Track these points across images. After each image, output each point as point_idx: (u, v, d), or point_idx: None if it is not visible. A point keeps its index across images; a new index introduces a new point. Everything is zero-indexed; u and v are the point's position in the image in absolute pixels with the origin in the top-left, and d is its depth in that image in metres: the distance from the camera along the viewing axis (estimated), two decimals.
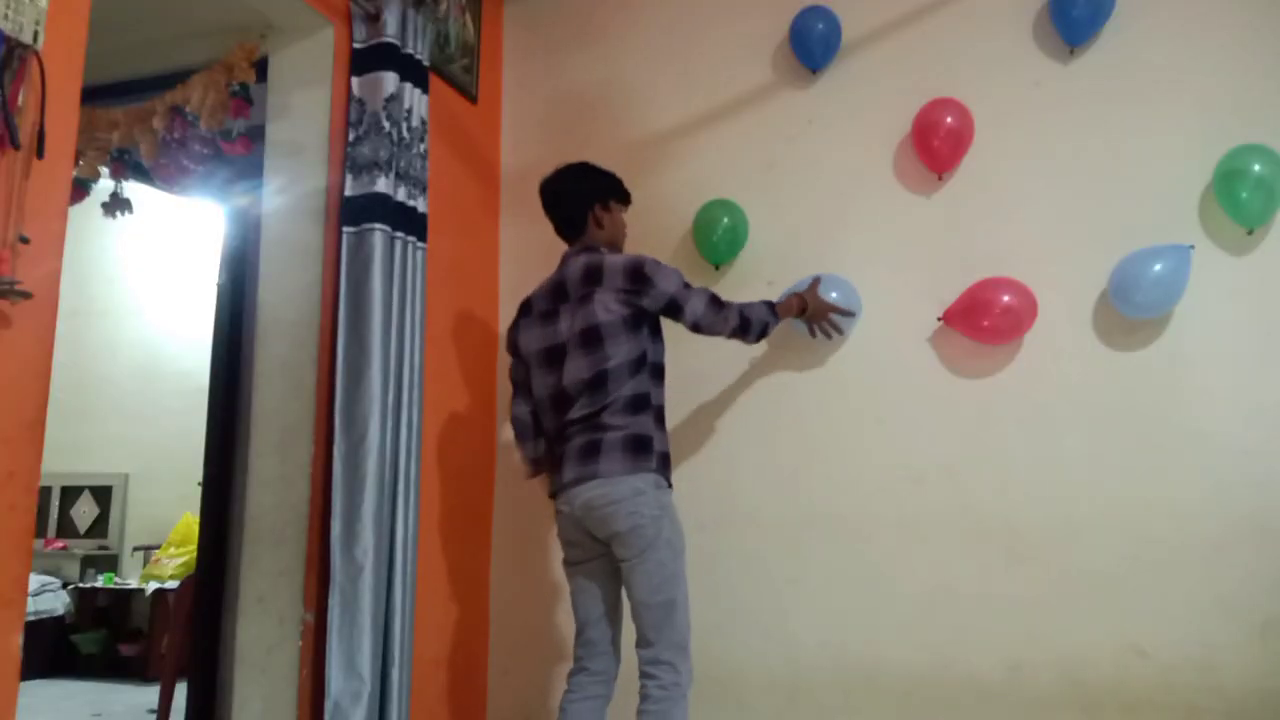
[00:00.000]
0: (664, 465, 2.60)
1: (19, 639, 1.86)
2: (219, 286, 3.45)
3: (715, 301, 2.64)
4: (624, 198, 2.85)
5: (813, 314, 2.95)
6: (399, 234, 2.96)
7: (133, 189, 3.53)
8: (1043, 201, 3.06)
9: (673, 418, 3.39)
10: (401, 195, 2.99)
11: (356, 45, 3.03)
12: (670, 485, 2.62)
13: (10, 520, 1.85)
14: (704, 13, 3.60)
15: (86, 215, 3.31)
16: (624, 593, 2.60)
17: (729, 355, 3.37)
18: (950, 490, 3.05)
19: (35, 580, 5.25)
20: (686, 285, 2.63)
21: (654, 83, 3.64)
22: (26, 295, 1.83)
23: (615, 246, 2.79)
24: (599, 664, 2.64)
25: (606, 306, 2.56)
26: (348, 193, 2.92)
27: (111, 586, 5.95)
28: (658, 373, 2.68)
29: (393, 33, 3.00)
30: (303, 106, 3.04)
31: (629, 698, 2.56)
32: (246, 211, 3.34)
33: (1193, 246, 2.82)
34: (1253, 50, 2.92)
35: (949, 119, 3.10)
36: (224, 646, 3.09)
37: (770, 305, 2.76)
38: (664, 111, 3.60)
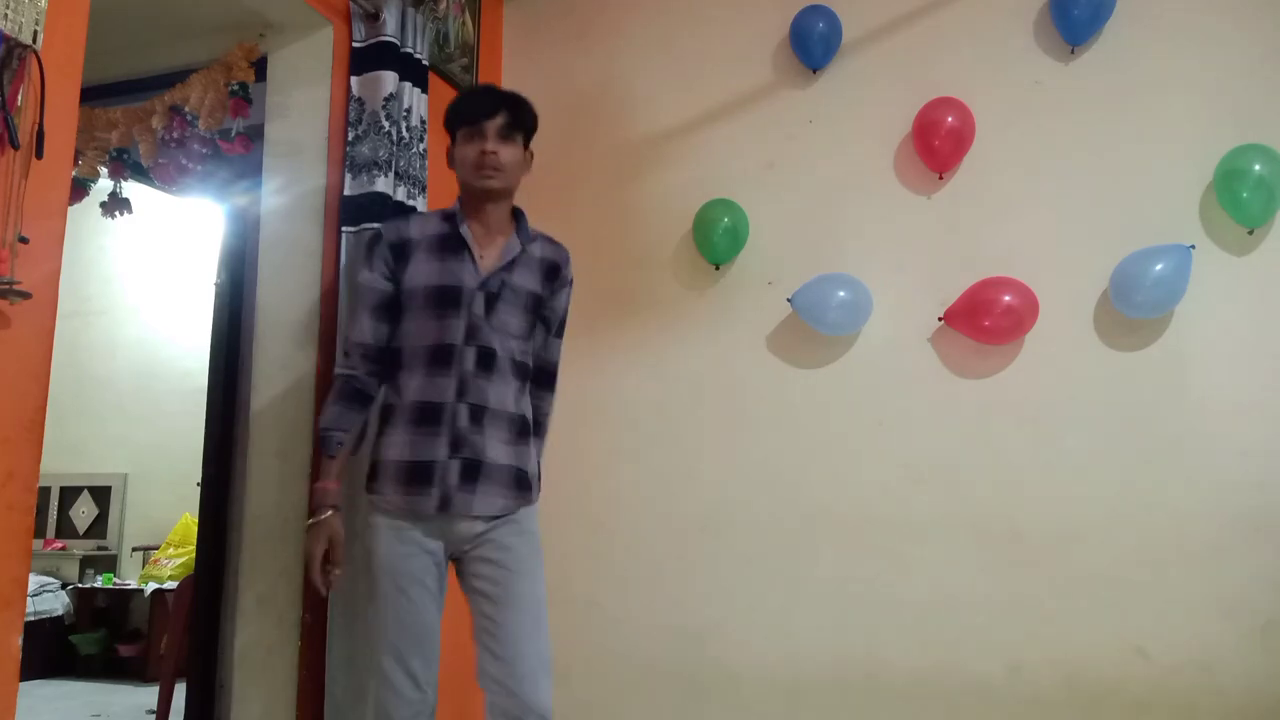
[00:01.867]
0: (373, 476, 2.18)
1: (18, 639, 1.85)
2: (218, 286, 3.44)
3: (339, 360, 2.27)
4: (457, 121, 2.26)
5: (309, 541, 2.18)
6: None
7: (132, 189, 3.53)
8: (1043, 201, 3.06)
9: (673, 418, 3.39)
10: (401, 195, 2.98)
11: (356, 44, 3.02)
12: (377, 492, 2.16)
13: (10, 520, 1.85)
14: (704, 12, 3.60)
15: (85, 215, 3.30)
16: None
17: (729, 355, 3.36)
18: (951, 490, 3.04)
19: (34, 581, 5.24)
20: (358, 302, 2.25)
21: (654, 82, 3.63)
22: (26, 295, 1.82)
23: (463, 187, 2.28)
24: None
25: None
26: (347, 192, 2.91)
27: (110, 587, 5.94)
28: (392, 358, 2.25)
29: (392, 32, 2.99)
30: (302, 106, 3.04)
31: None
32: (245, 211, 3.34)
33: (1193, 246, 2.82)
34: (1253, 50, 2.92)
35: (950, 118, 3.10)
36: (223, 647, 3.09)
37: (330, 441, 2.19)
38: (664, 111, 3.59)
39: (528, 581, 2.15)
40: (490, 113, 2.21)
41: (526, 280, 2.25)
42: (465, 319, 2.14)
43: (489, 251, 2.23)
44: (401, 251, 2.19)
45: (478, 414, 2.13)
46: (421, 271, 2.17)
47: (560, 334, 2.42)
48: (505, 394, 2.17)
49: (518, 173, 2.27)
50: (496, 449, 2.15)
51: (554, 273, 2.33)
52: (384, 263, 2.20)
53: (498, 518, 2.17)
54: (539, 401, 2.37)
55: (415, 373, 2.15)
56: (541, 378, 2.40)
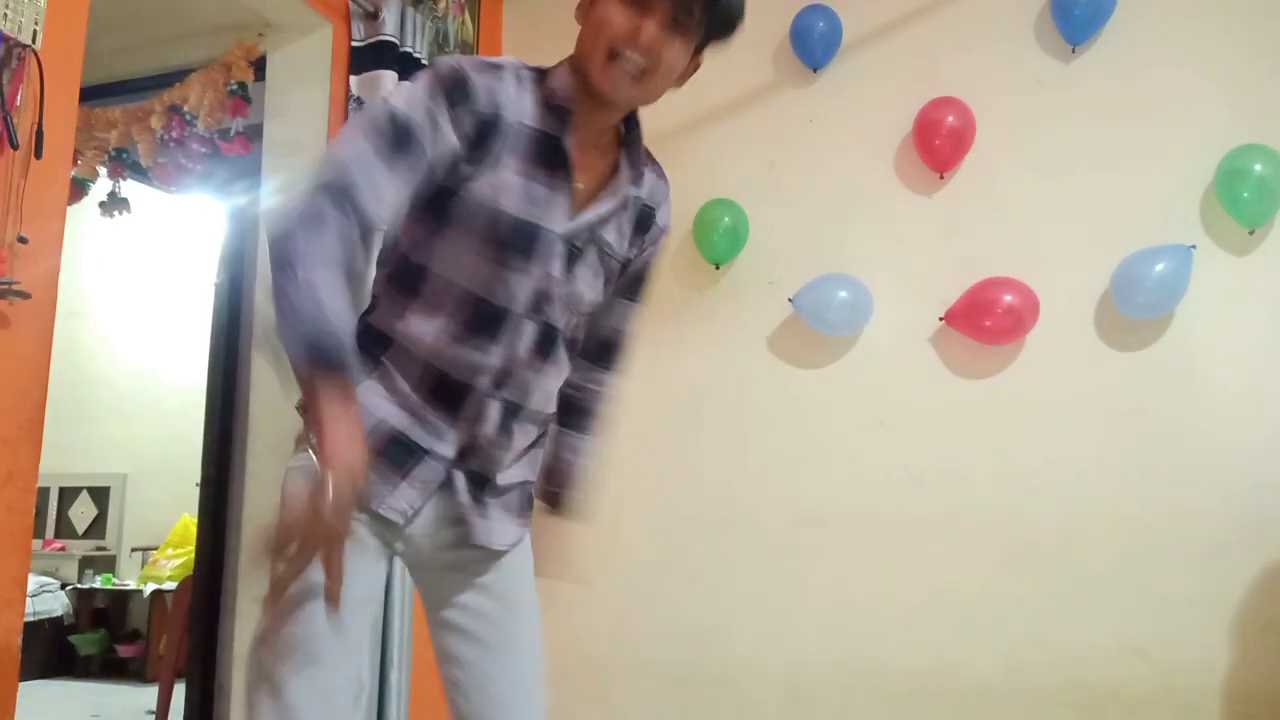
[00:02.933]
0: None
1: (18, 640, 1.85)
2: (217, 286, 3.43)
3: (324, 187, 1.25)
4: None
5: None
6: None
7: (131, 188, 3.52)
8: (1044, 201, 3.05)
9: (673, 418, 3.38)
10: None
11: (355, 44, 3.02)
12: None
13: (9, 521, 1.84)
14: None
15: (84, 214, 3.30)
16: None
17: (729, 355, 3.36)
18: (951, 491, 3.04)
19: (34, 581, 5.23)
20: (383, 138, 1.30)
21: None
22: (25, 295, 1.82)
23: (578, 69, 1.42)
24: None
25: None
26: None
27: (109, 587, 5.94)
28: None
29: (391, 31, 2.99)
30: (301, 105, 3.03)
31: None
32: (245, 211, 3.33)
33: (1194, 246, 2.82)
34: (1254, 49, 2.92)
35: (950, 118, 3.09)
36: (222, 648, 3.08)
37: (333, 347, 1.22)
38: (664, 110, 3.54)
39: (531, 622, 1.59)
40: None
41: (619, 236, 1.54)
42: (536, 279, 1.40)
43: (586, 177, 1.47)
44: (485, 131, 1.36)
45: (510, 416, 1.45)
46: (502, 184, 1.37)
47: (635, 297, 1.70)
48: (550, 388, 1.52)
49: (667, 86, 1.50)
50: (512, 467, 1.51)
51: (646, 221, 1.62)
52: (462, 122, 1.34)
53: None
54: (589, 382, 1.70)
55: (444, 323, 1.39)
56: (602, 350, 1.70)
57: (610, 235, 1.51)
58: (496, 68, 1.39)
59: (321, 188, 1.24)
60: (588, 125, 1.45)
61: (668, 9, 1.36)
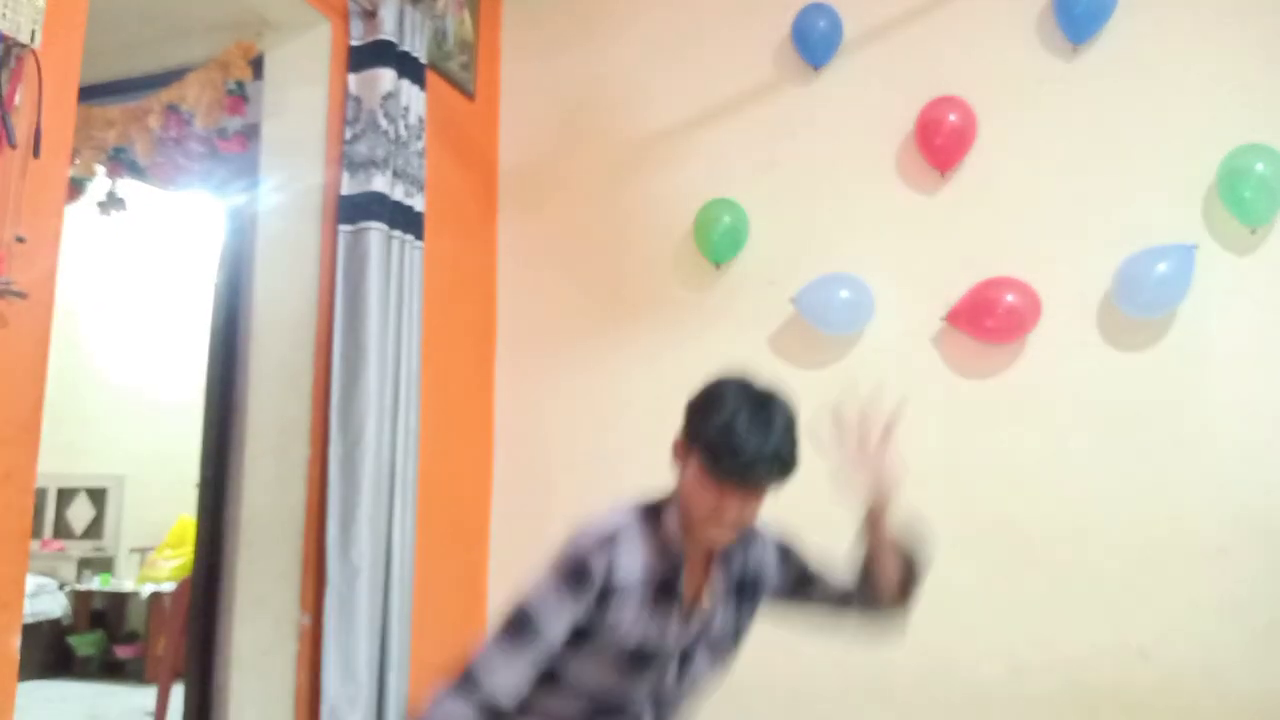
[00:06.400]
0: None
1: (16, 641, 1.84)
2: (215, 286, 3.42)
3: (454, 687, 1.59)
4: (707, 457, 1.73)
5: None
6: (396, 232, 2.94)
7: (129, 188, 3.51)
8: (1046, 200, 3.05)
9: (673, 418, 3.36)
10: (399, 193, 2.97)
11: (353, 42, 3.01)
12: None
13: (7, 521, 1.83)
14: (705, 9, 3.58)
15: (82, 214, 3.28)
16: None
17: (729, 355, 3.34)
18: (953, 491, 3.03)
19: (32, 582, 5.22)
20: (497, 637, 1.64)
21: (654, 80, 3.62)
22: (22, 295, 1.81)
23: (684, 513, 1.74)
24: None
25: None
26: (344, 191, 2.90)
27: (108, 588, 5.93)
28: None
29: (390, 30, 2.98)
30: (299, 104, 3.03)
31: None
32: (243, 210, 3.32)
33: (1196, 246, 2.82)
34: (1256, 48, 2.91)
35: (952, 116, 3.09)
36: (220, 649, 3.07)
37: None
38: (664, 109, 3.58)
39: None
40: (761, 483, 1.73)
41: (727, 620, 1.84)
42: (653, 683, 1.74)
43: (691, 591, 1.78)
44: (606, 597, 1.66)
45: None
46: (625, 623, 1.67)
47: (809, 574, 2.00)
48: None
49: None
50: None
51: (754, 586, 1.90)
52: (585, 607, 1.65)
53: None
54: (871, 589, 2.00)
55: (567, 705, 1.72)
56: (848, 594, 2.01)
57: (722, 624, 1.82)
58: (615, 545, 1.69)
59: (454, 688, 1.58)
60: (692, 556, 1.76)
61: (747, 491, 1.70)
